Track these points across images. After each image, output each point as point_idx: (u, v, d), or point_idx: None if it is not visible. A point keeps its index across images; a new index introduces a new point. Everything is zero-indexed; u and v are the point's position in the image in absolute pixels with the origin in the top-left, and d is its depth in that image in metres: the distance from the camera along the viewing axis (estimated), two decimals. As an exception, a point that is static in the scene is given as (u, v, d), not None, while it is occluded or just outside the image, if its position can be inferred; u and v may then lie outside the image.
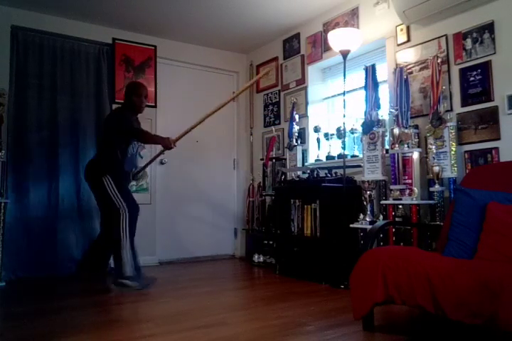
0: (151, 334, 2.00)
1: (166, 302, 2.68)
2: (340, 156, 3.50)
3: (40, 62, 3.82)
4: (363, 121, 3.14)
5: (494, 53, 2.70)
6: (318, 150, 3.91)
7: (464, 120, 2.82)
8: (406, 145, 2.88)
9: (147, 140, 3.34)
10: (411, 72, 3.15)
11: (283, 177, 3.98)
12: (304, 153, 4.01)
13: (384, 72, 3.38)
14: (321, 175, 3.48)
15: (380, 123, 3.04)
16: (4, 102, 3.47)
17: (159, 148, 3.39)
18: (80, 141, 3.91)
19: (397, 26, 3.27)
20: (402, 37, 3.24)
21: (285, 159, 4.08)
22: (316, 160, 3.89)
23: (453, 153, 2.73)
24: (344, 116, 3.32)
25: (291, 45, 4.34)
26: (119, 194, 3.07)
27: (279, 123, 4.45)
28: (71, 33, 3.95)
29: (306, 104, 4.10)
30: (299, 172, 3.79)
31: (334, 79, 4.04)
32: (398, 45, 3.27)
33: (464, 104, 2.84)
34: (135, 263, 2.96)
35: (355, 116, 3.59)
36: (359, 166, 3.24)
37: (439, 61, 2.85)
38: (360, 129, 3.28)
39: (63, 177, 3.80)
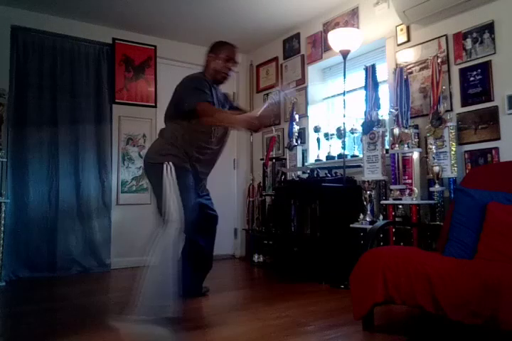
0: (151, 334, 2.00)
1: (166, 302, 2.68)
2: (340, 156, 3.50)
3: (40, 62, 3.82)
4: (363, 121, 3.14)
5: (494, 53, 2.70)
6: (318, 150, 3.91)
7: (464, 120, 2.82)
8: (406, 145, 2.88)
9: (217, 119, 2.24)
10: (411, 72, 3.14)
11: (283, 177, 3.98)
12: (304, 153, 4.00)
13: (384, 72, 3.38)
14: (321, 175, 3.48)
15: (380, 123, 3.04)
16: (4, 102, 3.47)
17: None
18: (79, 141, 3.91)
19: (397, 26, 3.26)
20: (402, 37, 3.23)
21: (285, 159, 4.08)
22: (316, 160, 3.89)
23: (453, 153, 2.72)
24: (344, 116, 3.32)
25: (291, 45, 4.34)
26: (178, 193, 2.15)
27: (279, 123, 4.45)
28: (71, 33, 3.95)
29: (306, 104, 4.10)
30: (299, 172, 3.79)
31: (334, 79, 4.04)
32: (398, 45, 3.27)
33: (464, 104, 2.84)
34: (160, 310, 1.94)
35: (355, 116, 3.59)
36: (359, 166, 3.24)
37: (439, 61, 2.85)
38: (360, 129, 3.28)
39: (63, 177, 3.81)
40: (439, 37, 2.99)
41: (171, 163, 2.24)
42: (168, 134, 2.40)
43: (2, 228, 3.28)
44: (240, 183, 4.83)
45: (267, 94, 4.64)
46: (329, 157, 3.74)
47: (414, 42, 3.15)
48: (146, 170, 2.45)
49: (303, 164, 3.94)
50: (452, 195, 2.66)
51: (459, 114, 2.85)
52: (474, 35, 2.80)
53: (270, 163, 4.24)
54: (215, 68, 2.50)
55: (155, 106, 4.32)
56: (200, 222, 2.66)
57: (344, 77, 3.31)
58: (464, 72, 2.85)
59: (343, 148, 3.35)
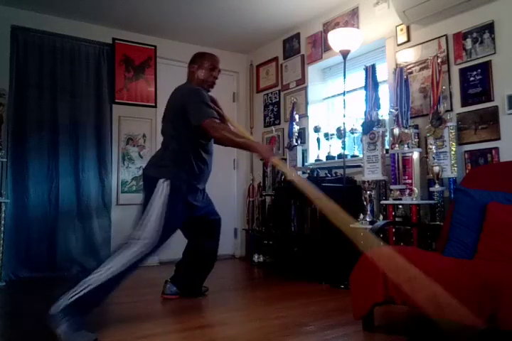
0: (151, 334, 2.00)
1: (166, 303, 2.68)
2: (340, 156, 3.50)
3: (40, 62, 3.82)
4: (363, 121, 3.14)
5: (494, 53, 2.70)
6: (318, 150, 3.91)
7: (464, 120, 2.82)
8: (406, 145, 2.88)
9: (228, 140, 2.22)
10: (411, 72, 3.14)
11: (283, 177, 3.98)
12: (304, 153, 4.00)
13: (384, 72, 3.38)
14: (321, 175, 3.48)
15: (380, 123, 3.04)
16: (4, 102, 3.47)
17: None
18: (79, 141, 3.91)
19: (397, 26, 3.26)
20: (402, 37, 3.24)
21: (285, 159, 4.08)
22: (316, 160, 3.89)
23: (453, 153, 2.72)
24: (344, 116, 3.32)
25: (291, 45, 4.34)
26: (164, 216, 2.15)
27: (279, 123, 4.45)
28: (71, 33, 3.95)
29: (306, 104, 4.10)
30: (299, 173, 3.79)
31: (334, 79, 4.04)
32: (398, 45, 3.27)
33: (464, 104, 2.84)
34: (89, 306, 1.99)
35: (355, 116, 3.59)
36: (359, 166, 3.24)
37: (439, 61, 2.85)
38: (360, 129, 3.28)
39: (63, 177, 3.80)
40: (439, 37, 2.99)
41: (166, 183, 2.20)
42: (172, 148, 2.36)
43: (2, 228, 3.28)
44: (240, 183, 4.83)
45: (267, 95, 4.64)
46: (329, 157, 3.74)
47: (414, 42, 3.15)
48: (143, 181, 2.44)
49: (303, 164, 3.94)
50: (452, 195, 2.66)
51: (459, 114, 2.85)
52: (474, 35, 2.80)
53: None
54: (200, 78, 2.51)
55: (155, 106, 4.32)
56: (204, 227, 2.67)
57: (344, 77, 3.31)
58: (464, 72, 2.85)
59: (343, 148, 3.35)
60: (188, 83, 2.55)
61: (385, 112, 3.16)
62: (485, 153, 2.69)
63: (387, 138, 3.06)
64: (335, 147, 3.78)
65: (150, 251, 2.12)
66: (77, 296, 1.91)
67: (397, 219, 2.86)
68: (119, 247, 2.11)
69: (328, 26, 3.87)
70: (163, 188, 2.19)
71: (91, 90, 4.03)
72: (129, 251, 2.06)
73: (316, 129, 3.85)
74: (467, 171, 2.71)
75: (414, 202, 2.74)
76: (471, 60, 2.81)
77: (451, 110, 2.88)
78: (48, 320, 1.87)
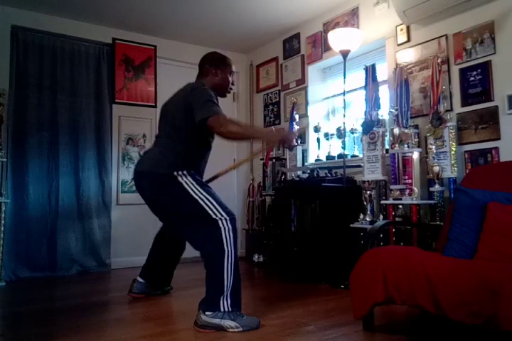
0: (151, 334, 2.00)
1: (166, 303, 2.68)
2: (340, 156, 3.51)
3: (40, 62, 3.82)
4: (363, 121, 3.14)
5: (494, 53, 2.70)
6: (318, 150, 3.91)
7: (464, 120, 2.82)
8: (406, 145, 2.88)
9: (242, 135, 2.20)
10: (411, 72, 3.14)
11: (283, 177, 3.98)
12: (304, 153, 4.01)
13: (384, 72, 3.38)
14: (321, 175, 3.48)
15: (380, 123, 3.04)
16: (4, 102, 3.47)
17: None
18: (79, 141, 3.92)
19: (397, 26, 3.27)
20: (402, 37, 3.24)
21: (285, 159, 4.08)
22: (316, 160, 3.89)
23: (453, 153, 2.73)
24: (344, 116, 3.32)
25: (291, 45, 4.34)
26: (211, 197, 2.13)
27: (279, 123, 4.45)
28: (71, 33, 3.95)
29: (306, 104, 4.10)
30: (299, 172, 3.78)
31: (334, 79, 4.05)
32: (398, 45, 3.27)
33: (464, 104, 2.84)
34: (236, 296, 2.10)
35: (355, 116, 3.60)
36: (359, 166, 3.24)
37: (439, 61, 2.85)
38: (360, 129, 3.28)
39: (63, 177, 3.81)
40: (439, 37, 2.99)
41: (182, 172, 2.17)
42: (172, 148, 2.27)
43: (2, 228, 3.28)
44: (240, 183, 4.83)
45: (267, 95, 4.65)
46: (329, 157, 3.74)
47: (414, 42, 3.16)
48: (148, 180, 2.28)
49: (303, 164, 3.94)
50: (452, 195, 2.66)
51: (459, 114, 2.85)
52: (474, 35, 2.80)
53: (270, 163, 4.24)
54: (220, 82, 2.41)
55: (155, 106, 4.32)
56: None
57: (344, 77, 3.31)
58: (464, 72, 2.85)
59: (343, 148, 3.35)
60: (201, 83, 2.37)
61: (385, 112, 3.16)
62: (485, 153, 2.70)
63: (387, 138, 3.06)
64: (335, 147, 3.78)
65: (234, 223, 2.14)
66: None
67: (397, 219, 2.86)
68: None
69: (328, 26, 3.87)
70: (187, 178, 2.17)
71: (91, 90, 4.03)
72: (224, 236, 2.10)
73: (316, 129, 3.86)
74: (467, 171, 2.71)
75: (414, 202, 2.74)
76: (471, 60, 2.81)
77: (451, 110, 2.88)
78: None
